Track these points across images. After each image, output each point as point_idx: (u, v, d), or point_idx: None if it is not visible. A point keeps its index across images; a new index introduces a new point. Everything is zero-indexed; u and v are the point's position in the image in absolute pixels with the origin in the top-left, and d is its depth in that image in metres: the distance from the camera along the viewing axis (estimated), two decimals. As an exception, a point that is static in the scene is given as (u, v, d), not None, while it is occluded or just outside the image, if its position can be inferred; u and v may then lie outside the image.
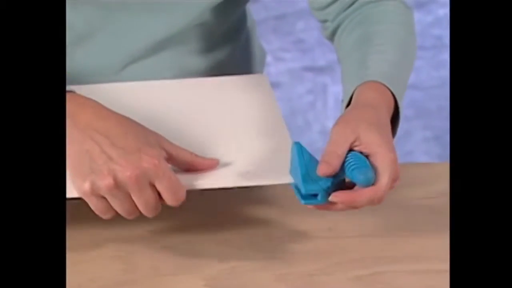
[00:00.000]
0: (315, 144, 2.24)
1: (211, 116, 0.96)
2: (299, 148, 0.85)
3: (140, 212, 0.82)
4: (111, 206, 0.82)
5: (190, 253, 0.88)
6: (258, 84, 1.03)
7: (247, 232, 0.90)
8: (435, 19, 2.78)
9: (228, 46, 1.11)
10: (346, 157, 0.84)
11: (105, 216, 0.83)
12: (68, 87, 0.86)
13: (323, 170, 0.82)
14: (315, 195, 0.83)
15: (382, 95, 0.90)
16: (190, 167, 0.85)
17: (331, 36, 1.04)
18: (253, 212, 0.92)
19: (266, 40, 1.22)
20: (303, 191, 0.83)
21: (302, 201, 0.83)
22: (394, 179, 0.83)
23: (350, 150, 0.84)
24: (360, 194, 0.82)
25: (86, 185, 0.81)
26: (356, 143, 0.84)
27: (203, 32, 1.06)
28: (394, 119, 0.92)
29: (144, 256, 0.87)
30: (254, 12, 1.18)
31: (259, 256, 0.88)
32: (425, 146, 2.25)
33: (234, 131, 0.94)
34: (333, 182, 0.83)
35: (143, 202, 0.81)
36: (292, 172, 0.86)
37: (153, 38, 1.03)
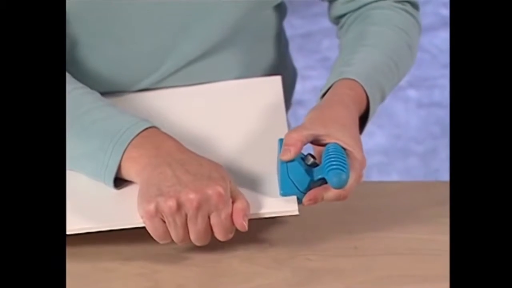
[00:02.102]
0: (341, 162, 2.24)
1: (215, 123, 0.99)
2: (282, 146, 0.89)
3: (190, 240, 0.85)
4: (168, 232, 0.84)
5: (215, 271, 0.88)
6: (270, 88, 1.05)
7: (272, 250, 0.90)
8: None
9: (261, 65, 1.11)
10: (328, 150, 0.86)
11: (162, 241, 0.85)
12: (150, 122, 0.89)
13: (284, 156, 0.87)
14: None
15: (356, 94, 0.95)
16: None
17: None
18: (278, 230, 0.92)
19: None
20: (280, 194, 0.88)
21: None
22: (359, 180, 0.89)
23: (331, 143, 0.88)
24: (329, 190, 0.87)
25: (151, 206, 0.82)
26: (325, 138, 0.88)
27: (236, 48, 1.07)
28: (364, 118, 0.96)
29: (168, 274, 0.87)
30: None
31: (284, 274, 0.87)
32: (451, 165, 2.23)
33: (235, 139, 0.96)
34: (310, 183, 0.87)
35: (196, 231, 0.84)
36: (277, 169, 0.90)
37: (185, 57, 1.04)
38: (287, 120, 1.01)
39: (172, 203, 0.82)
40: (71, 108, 0.90)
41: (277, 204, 0.87)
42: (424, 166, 2.22)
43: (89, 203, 0.88)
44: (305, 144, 0.89)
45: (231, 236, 0.85)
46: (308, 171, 0.88)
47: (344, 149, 0.87)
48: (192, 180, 0.83)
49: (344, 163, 0.85)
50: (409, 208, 0.96)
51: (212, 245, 0.89)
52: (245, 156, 0.94)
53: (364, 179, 0.91)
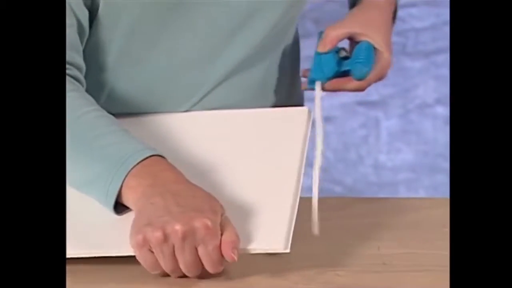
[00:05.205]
0: (368, 177, 2.23)
1: (228, 152, 0.98)
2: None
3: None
4: (158, 262, 0.85)
5: (244, 286, 0.88)
6: (294, 120, 1.03)
7: (301, 265, 0.90)
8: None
9: (281, 92, 1.12)
10: (360, 46, 1.01)
11: (152, 271, 0.86)
12: (154, 150, 0.90)
13: (320, 48, 1.03)
14: None
15: None
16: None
17: None
18: (306, 246, 0.92)
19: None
20: (309, 79, 1.02)
21: (308, 86, 1.04)
22: (380, 78, 1.05)
23: (364, 41, 1.02)
24: (350, 82, 1.03)
25: (140, 237, 0.83)
26: (360, 37, 1.03)
27: (271, 58, 1.09)
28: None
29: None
30: (307, 47, 1.19)
31: (312, 290, 0.88)
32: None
33: (243, 172, 0.95)
34: (337, 72, 1.02)
35: (184, 262, 0.84)
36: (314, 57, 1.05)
37: (231, 64, 1.05)
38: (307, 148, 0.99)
39: (158, 234, 0.82)
40: (84, 130, 0.91)
41: (265, 242, 0.87)
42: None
43: (90, 228, 0.90)
44: (341, 40, 1.04)
45: (221, 268, 0.85)
46: (339, 62, 1.03)
47: (375, 48, 1.02)
48: (181, 211, 0.84)
49: (370, 59, 1.00)
50: (437, 225, 0.96)
51: (241, 260, 0.90)
52: (247, 189, 0.93)
53: (391, 195, 0.91)
